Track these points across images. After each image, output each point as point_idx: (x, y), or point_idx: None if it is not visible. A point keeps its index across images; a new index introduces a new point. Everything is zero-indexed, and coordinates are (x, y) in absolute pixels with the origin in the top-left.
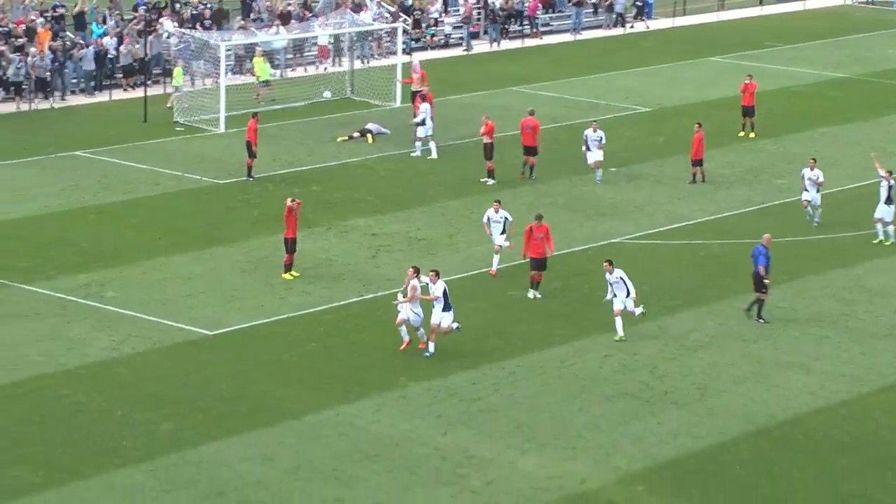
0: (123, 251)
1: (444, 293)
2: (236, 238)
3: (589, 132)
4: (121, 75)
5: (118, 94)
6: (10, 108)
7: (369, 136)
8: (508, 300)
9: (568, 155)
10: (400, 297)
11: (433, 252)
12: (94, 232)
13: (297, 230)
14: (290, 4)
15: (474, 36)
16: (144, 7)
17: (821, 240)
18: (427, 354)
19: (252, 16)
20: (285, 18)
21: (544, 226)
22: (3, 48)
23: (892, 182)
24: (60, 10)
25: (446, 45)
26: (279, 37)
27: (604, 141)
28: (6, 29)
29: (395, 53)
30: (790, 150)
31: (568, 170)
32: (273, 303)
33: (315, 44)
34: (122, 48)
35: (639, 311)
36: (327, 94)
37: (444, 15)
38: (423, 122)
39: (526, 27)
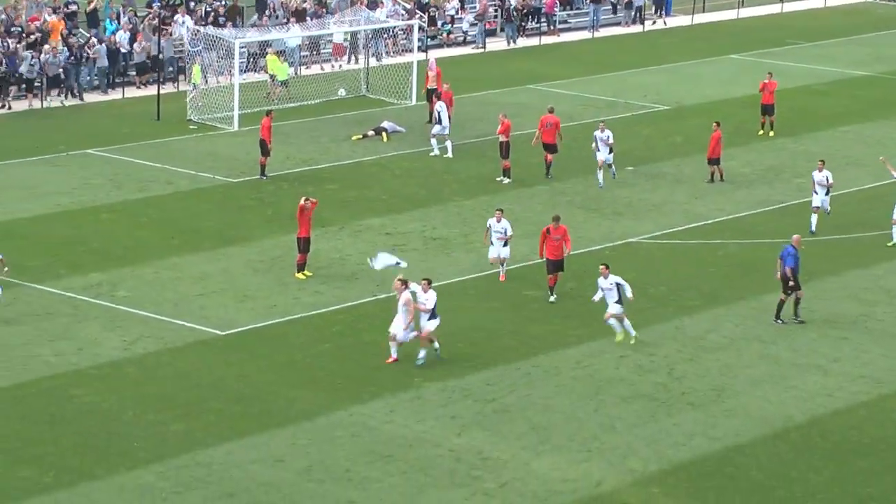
0: (135, 250)
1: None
2: (249, 237)
3: (597, 132)
4: (134, 73)
5: (131, 92)
6: (22, 105)
7: (384, 134)
8: (523, 300)
9: (585, 153)
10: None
11: (448, 251)
12: (107, 231)
13: (311, 230)
14: (304, 1)
15: (491, 34)
16: (158, 3)
17: (839, 240)
18: (418, 363)
19: (267, 13)
20: (300, 16)
21: (562, 227)
22: (16, 46)
23: None
24: (73, 7)
25: (464, 43)
26: (293, 34)
27: (611, 140)
28: (19, 28)
29: (410, 51)
30: (810, 148)
31: (584, 168)
32: (286, 303)
33: (330, 41)
34: (135, 45)
35: (616, 319)
36: (342, 92)
37: (461, 12)
38: (440, 121)
39: (543, 24)
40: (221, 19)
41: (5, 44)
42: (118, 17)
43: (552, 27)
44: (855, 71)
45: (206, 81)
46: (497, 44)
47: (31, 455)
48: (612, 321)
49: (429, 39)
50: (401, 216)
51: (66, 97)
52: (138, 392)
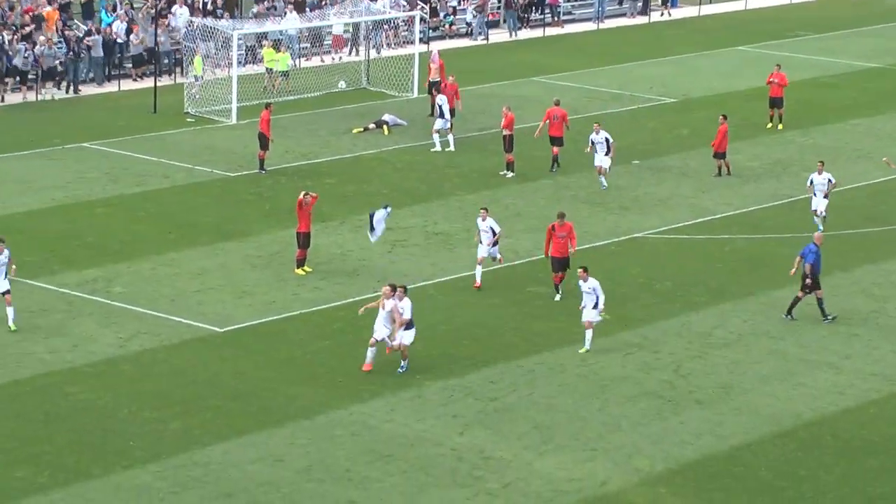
0: (132, 245)
1: (409, 312)
2: (248, 232)
3: (592, 135)
4: (130, 65)
5: (127, 84)
6: (17, 98)
7: (385, 127)
8: (527, 296)
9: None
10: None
11: (450, 247)
12: (102, 226)
13: (311, 224)
14: None
15: (494, 25)
16: None
17: (849, 235)
18: (401, 370)
19: (265, 4)
20: (300, 6)
21: (567, 224)
22: (9, 38)
23: None
24: None
25: (468, 35)
26: (291, 24)
27: (611, 140)
28: (14, 26)
29: (412, 43)
30: (819, 142)
31: (589, 163)
32: (285, 299)
33: (330, 33)
34: (131, 37)
35: (599, 318)
36: (342, 85)
37: (463, 3)
38: (441, 115)
39: (547, 15)
40: (219, 11)
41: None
42: (114, 8)
43: (556, 18)
44: (864, 63)
45: (207, 73)
46: (500, 35)
47: (26, 454)
48: (589, 332)
49: (430, 31)
50: (402, 211)
51: (66, 91)
52: (134, 390)
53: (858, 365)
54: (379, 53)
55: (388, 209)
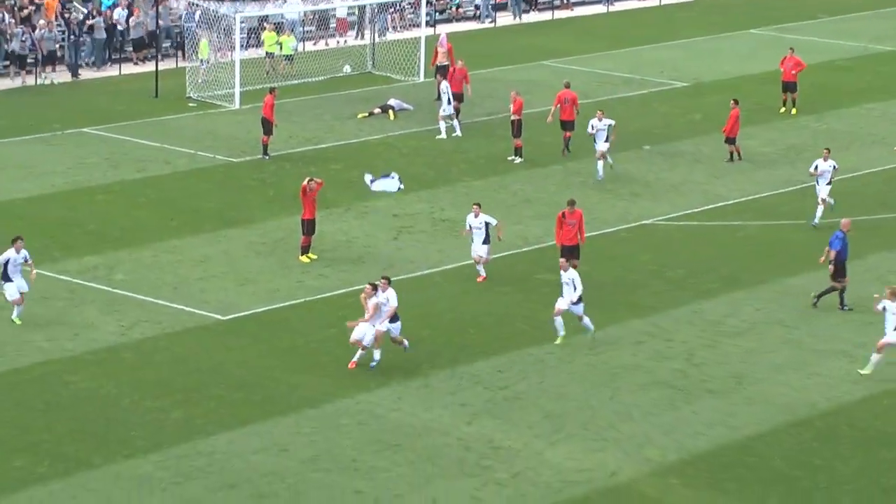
0: (133, 232)
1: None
2: (251, 219)
3: (594, 121)
4: (130, 48)
5: (128, 68)
6: (16, 82)
7: (391, 112)
8: (536, 283)
9: None
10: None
11: (457, 233)
12: (103, 212)
13: (316, 211)
14: None
15: (501, 7)
16: None
17: (862, 221)
18: (373, 365)
19: None
20: None
21: (577, 212)
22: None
23: None
24: None
25: (476, 17)
26: (294, 7)
27: (614, 125)
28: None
29: (418, 26)
30: (834, 126)
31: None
32: (289, 286)
33: (334, 16)
34: (131, 20)
35: (585, 318)
36: (347, 69)
37: None
38: (448, 101)
39: None
40: None
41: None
42: None
43: (565, 1)
44: (879, 46)
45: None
46: (508, 18)
47: (26, 443)
48: (559, 319)
49: (437, 14)
50: (408, 197)
51: (72, 75)
52: (136, 378)
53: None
54: (384, 37)
55: (401, 187)
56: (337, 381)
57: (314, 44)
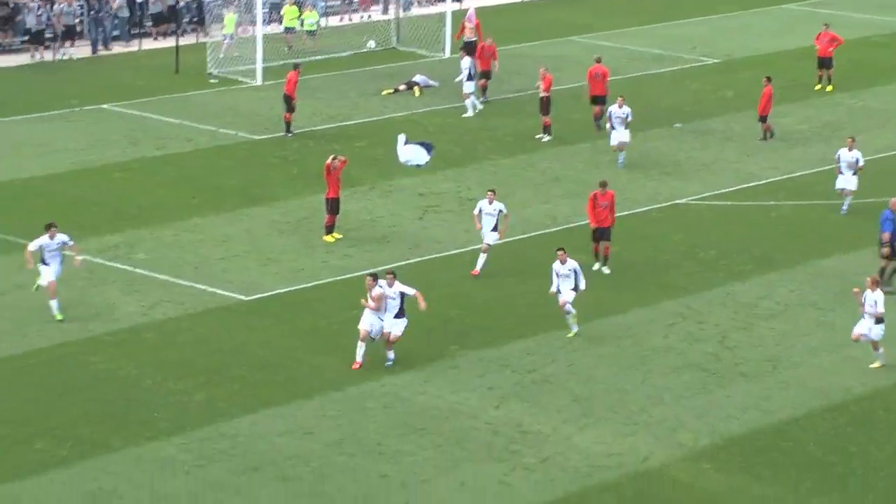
0: (153, 211)
1: (402, 298)
2: (274, 197)
3: (614, 108)
4: (150, 23)
5: (148, 44)
6: (35, 58)
7: (416, 88)
8: None
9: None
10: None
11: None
12: (123, 190)
13: (340, 190)
14: None
15: None
16: None
17: None
18: (388, 364)
19: None
20: None
21: (609, 193)
22: None
23: None
24: None
25: None
26: None
27: (630, 118)
28: None
29: (443, 0)
30: (870, 104)
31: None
32: (313, 266)
33: None
34: None
35: (572, 311)
36: (371, 45)
37: None
38: (470, 78)
39: None
40: None
41: None
42: None
43: None
44: None
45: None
46: None
47: (46, 426)
48: (570, 308)
49: None
50: (434, 175)
51: (92, 51)
52: (157, 359)
53: None
54: (409, 11)
55: (427, 163)
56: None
57: (340, 19)
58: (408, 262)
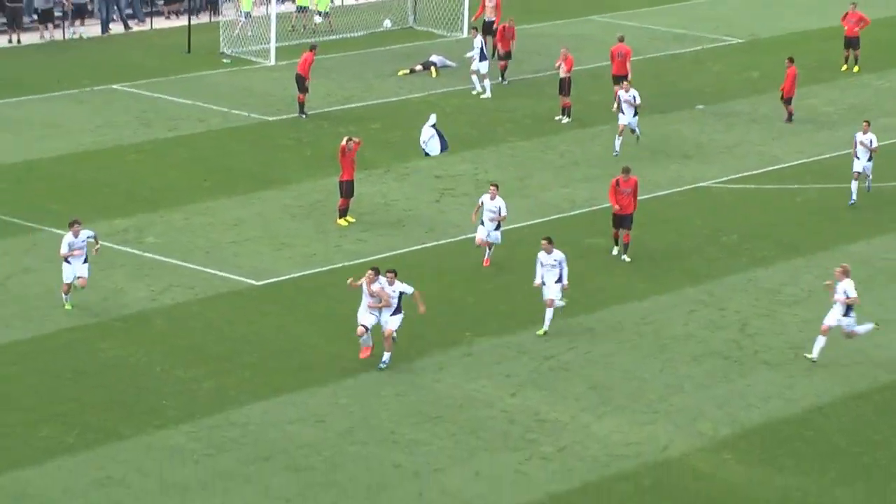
0: (164, 193)
1: (400, 296)
2: (287, 180)
3: (621, 92)
4: (162, 2)
5: (159, 23)
6: (44, 37)
7: (433, 69)
8: (585, 250)
9: (650, 91)
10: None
11: (502, 196)
12: (133, 172)
13: (354, 172)
14: None
15: None
16: None
17: None
18: (382, 366)
19: None
20: None
21: (632, 179)
22: None
23: None
24: None
25: None
26: None
27: (638, 100)
28: None
29: None
30: None
31: (649, 107)
32: (326, 251)
33: None
34: None
35: (561, 304)
36: (387, 24)
37: None
38: (483, 57)
39: None
40: None
41: None
42: None
43: None
44: None
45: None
46: None
47: (53, 413)
48: (550, 311)
49: None
50: (450, 158)
51: (102, 31)
52: (167, 345)
53: None
54: None
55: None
56: (376, 350)
57: None
58: (423, 246)
